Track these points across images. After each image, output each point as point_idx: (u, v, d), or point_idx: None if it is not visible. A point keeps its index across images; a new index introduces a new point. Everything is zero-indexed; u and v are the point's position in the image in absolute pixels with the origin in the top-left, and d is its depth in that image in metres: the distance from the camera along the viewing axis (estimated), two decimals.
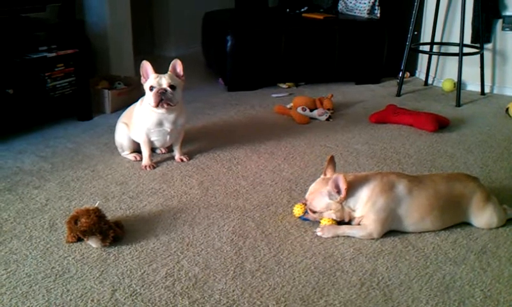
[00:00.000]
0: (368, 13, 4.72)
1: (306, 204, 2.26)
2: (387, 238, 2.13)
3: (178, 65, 2.77)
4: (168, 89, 2.68)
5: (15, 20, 3.35)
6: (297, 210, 2.27)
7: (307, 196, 2.22)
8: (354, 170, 2.75)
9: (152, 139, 2.84)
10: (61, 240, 2.10)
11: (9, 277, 1.87)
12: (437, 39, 4.53)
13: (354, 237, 2.13)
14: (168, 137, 2.85)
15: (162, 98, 2.67)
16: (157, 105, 2.69)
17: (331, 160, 2.21)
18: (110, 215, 2.20)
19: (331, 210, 2.14)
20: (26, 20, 3.43)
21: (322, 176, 2.24)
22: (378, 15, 4.72)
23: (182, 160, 2.92)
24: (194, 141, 3.20)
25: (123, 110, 3.04)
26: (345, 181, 2.08)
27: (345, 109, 3.90)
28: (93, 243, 2.04)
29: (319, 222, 2.19)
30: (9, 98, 3.19)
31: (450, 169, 2.81)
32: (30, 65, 3.29)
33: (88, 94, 3.63)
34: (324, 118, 3.63)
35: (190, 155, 2.98)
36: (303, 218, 2.25)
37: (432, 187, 2.17)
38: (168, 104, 2.70)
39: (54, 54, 3.39)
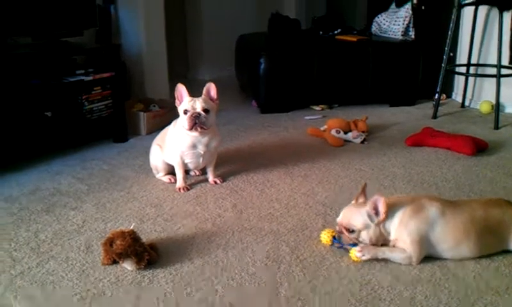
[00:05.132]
0: (402, 35, 4.68)
1: (336, 230, 2.21)
2: (426, 265, 2.07)
3: (212, 88, 2.79)
4: (202, 113, 2.69)
5: (54, 45, 3.43)
6: (325, 237, 2.22)
7: (340, 219, 2.17)
8: (390, 194, 2.69)
9: (186, 161, 2.85)
10: (97, 262, 2.11)
11: (45, 298, 1.89)
12: (473, 60, 4.46)
13: (393, 261, 2.08)
14: (201, 159, 2.86)
15: (196, 122, 2.69)
16: (190, 129, 2.71)
17: (364, 189, 2.19)
18: (145, 237, 2.21)
19: (367, 230, 2.10)
20: (64, 44, 3.51)
21: (353, 201, 2.20)
22: (413, 37, 4.68)
23: (215, 182, 2.93)
24: (228, 163, 3.20)
25: (158, 133, 3.07)
26: (385, 204, 2.05)
27: (380, 131, 3.86)
28: (128, 265, 2.05)
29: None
30: (47, 121, 3.26)
31: (489, 194, 2.74)
32: (68, 88, 3.36)
33: (124, 116, 3.69)
34: (358, 140, 3.59)
35: (223, 177, 2.98)
36: (334, 247, 2.20)
37: (468, 212, 2.11)
38: (201, 128, 2.71)
39: (91, 78, 3.46)
